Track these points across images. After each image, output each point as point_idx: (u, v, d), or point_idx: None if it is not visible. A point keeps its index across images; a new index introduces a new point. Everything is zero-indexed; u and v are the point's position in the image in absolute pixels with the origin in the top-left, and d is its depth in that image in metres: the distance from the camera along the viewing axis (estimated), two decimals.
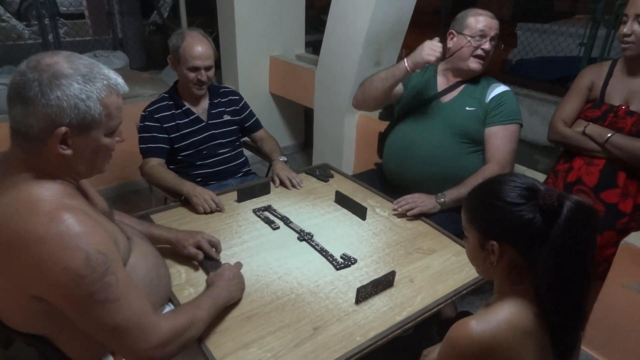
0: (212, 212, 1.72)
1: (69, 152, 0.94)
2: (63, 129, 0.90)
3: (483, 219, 0.94)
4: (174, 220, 1.68)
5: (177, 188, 1.80)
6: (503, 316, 0.87)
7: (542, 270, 0.85)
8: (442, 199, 1.76)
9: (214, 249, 1.43)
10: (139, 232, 1.27)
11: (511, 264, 0.92)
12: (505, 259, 0.92)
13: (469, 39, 1.83)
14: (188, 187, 1.76)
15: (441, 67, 2.01)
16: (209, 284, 1.24)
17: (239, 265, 1.35)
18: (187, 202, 1.76)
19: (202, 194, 1.73)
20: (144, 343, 0.96)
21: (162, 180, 1.87)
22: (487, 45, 1.82)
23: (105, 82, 0.95)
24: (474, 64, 1.86)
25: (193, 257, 1.41)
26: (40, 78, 0.88)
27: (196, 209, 1.72)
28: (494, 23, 1.83)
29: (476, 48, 1.83)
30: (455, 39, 1.88)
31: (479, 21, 1.82)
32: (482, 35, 1.82)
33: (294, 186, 1.96)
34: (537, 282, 0.87)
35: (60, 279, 0.88)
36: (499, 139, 1.82)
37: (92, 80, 0.93)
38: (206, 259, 1.41)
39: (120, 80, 0.99)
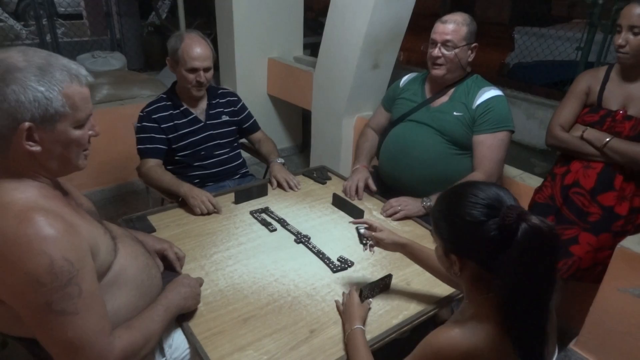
0: (209, 213, 1.72)
1: (37, 148, 0.91)
2: (26, 124, 0.87)
3: (445, 232, 0.93)
4: (171, 222, 1.67)
5: (174, 189, 1.79)
6: (482, 326, 0.87)
7: (503, 285, 0.84)
8: (428, 203, 1.78)
9: (178, 262, 1.39)
10: (130, 234, 1.24)
11: (475, 275, 0.92)
12: (467, 271, 0.93)
13: (424, 45, 1.89)
14: (185, 189, 1.76)
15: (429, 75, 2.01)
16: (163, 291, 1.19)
17: (198, 279, 1.31)
18: (184, 204, 1.76)
19: (199, 196, 1.73)
20: None
21: (159, 181, 1.86)
22: (435, 52, 1.83)
23: (65, 72, 0.91)
24: (433, 70, 1.88)
25: None
26: None
27: (193, 211, 1.72)
28: (447, 28, 1.79)
29: (431, 55, 1.86)
30: None
31: (434, 28, 1.84)
32: (433, 43, 1.84)
33: (291, 188, 1.96)
34: (500, 295, 0.86)
35: (19, 283, 0.85)
36: (486, 147, 1.82)
37: (50, 71, 0.89)
38: (166, 269, 1.36)
39: (82, 70, 0.95)
